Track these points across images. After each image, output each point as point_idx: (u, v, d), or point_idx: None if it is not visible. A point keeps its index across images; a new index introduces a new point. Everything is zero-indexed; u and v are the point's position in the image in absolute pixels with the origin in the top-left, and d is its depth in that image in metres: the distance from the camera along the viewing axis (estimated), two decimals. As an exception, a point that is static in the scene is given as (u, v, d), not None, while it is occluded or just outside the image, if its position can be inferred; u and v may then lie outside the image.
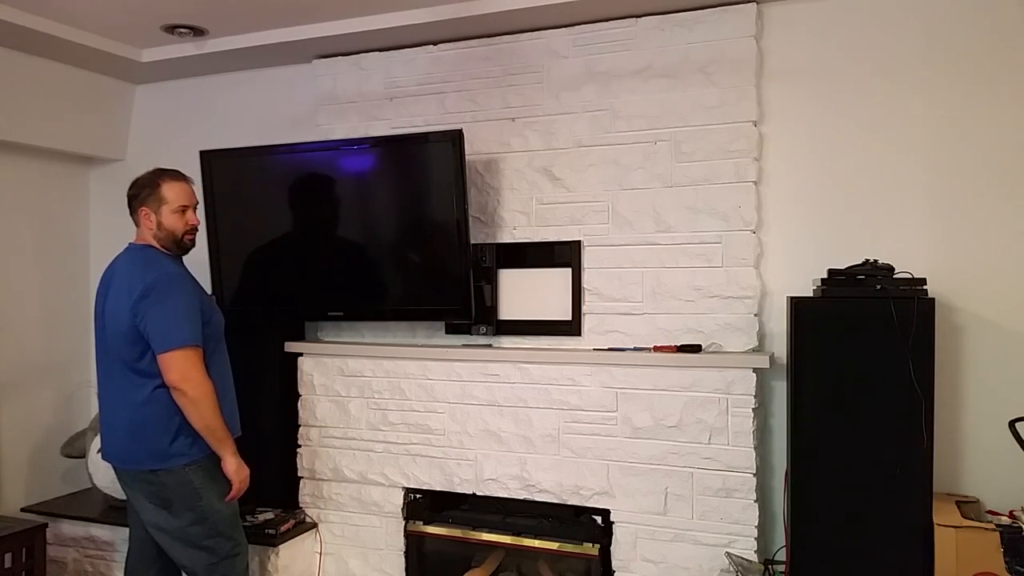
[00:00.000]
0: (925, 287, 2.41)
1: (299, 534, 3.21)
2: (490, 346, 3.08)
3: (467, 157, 3.12)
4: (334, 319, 3.27)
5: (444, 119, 3.16)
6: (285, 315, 3.33)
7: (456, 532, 3.11)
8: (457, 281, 2.93)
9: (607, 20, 2.94)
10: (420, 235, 3.02)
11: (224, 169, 3.21)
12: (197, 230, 2.57)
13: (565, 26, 2.99)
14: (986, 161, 2.61)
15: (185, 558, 2.48)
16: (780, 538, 2.73)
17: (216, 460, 2.51)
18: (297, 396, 3.37)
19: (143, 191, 2.49)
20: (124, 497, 2.58)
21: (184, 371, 2.34)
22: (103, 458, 2.52)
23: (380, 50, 3.28)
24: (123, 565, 2.73)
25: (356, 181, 3.09)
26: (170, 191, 2.49)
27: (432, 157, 2.95)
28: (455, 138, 2.88)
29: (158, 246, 2.50)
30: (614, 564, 2.88)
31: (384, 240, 3.08)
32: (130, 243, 2.55)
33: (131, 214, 2.53)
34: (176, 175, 2.54)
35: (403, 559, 3.20)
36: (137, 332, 2.37)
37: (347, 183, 3.09)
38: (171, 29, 3.18)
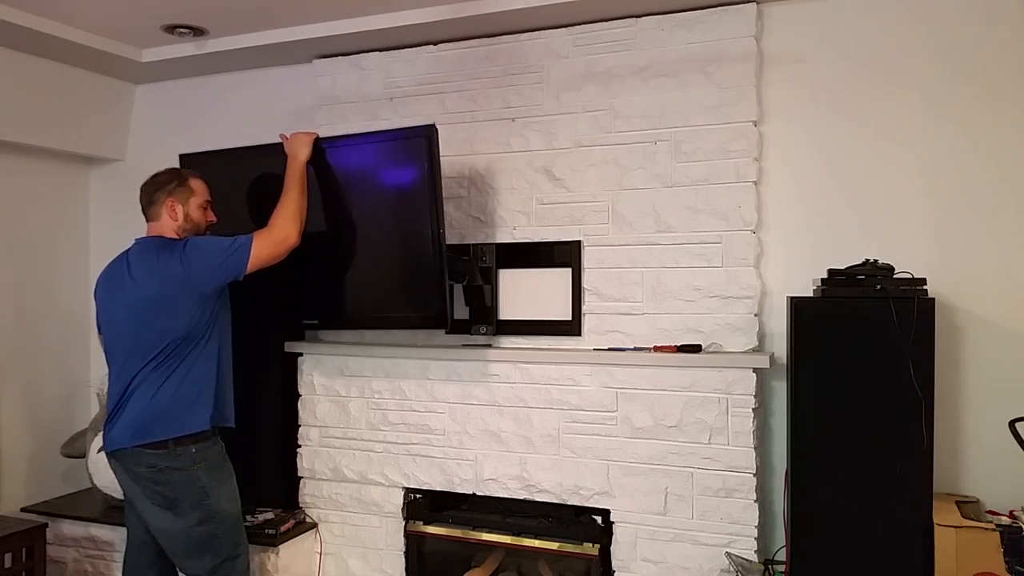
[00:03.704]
0: (925, 287, 2.41)
1: (299, 534, 3.21)
2: (490, 346, 3.08)
3: (467, 157, 3.13)
4: (310, 327, 3.24)
5: (444, 119, 3.16)
6: (262, 323, 3.22)
7: (456, 532, 3.11)
8: (432, 288, 2.76)
9: (607, 20, 2.93)
10: (394, 239, 2.87)
11: (203, 172, 3.08)
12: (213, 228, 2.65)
13: (565, 26, 2.99)
14: (986, 161, 2.61)
15: (187, 560, 2.47)
16: (780, 538, 2.73)
17: (223, 460, 2.51)
18: (297, 396, 3.37)
19: (170, 184, 2.53)
20: (124, 497, 2.58)
21: (274, 238, 2.48)
22: (113, 447, 2.49)
23: (380, 50, 3.28)
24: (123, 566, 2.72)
25: (328, 181, 2.89)
26: (197, 186, 2.59)
27: (405, 155, 2.81)
28: (428, 134, 2.70)
29: (176, 237, 2.52)
30: (614, 564, 2.88)
31: (358, 244, 2.91)
32: (139, 238, 2.56)
33: (149, 207, 2.54)
34: (196, 173, 2.64)
35: (403, 559, 3.20)
36: (181, 304, 2.39)
37: (319, 184, 2.87)
38: (171, 29, 3.18)
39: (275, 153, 2.81)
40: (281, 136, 2.81)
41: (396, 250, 2.88)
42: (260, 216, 2.74)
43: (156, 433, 2.39)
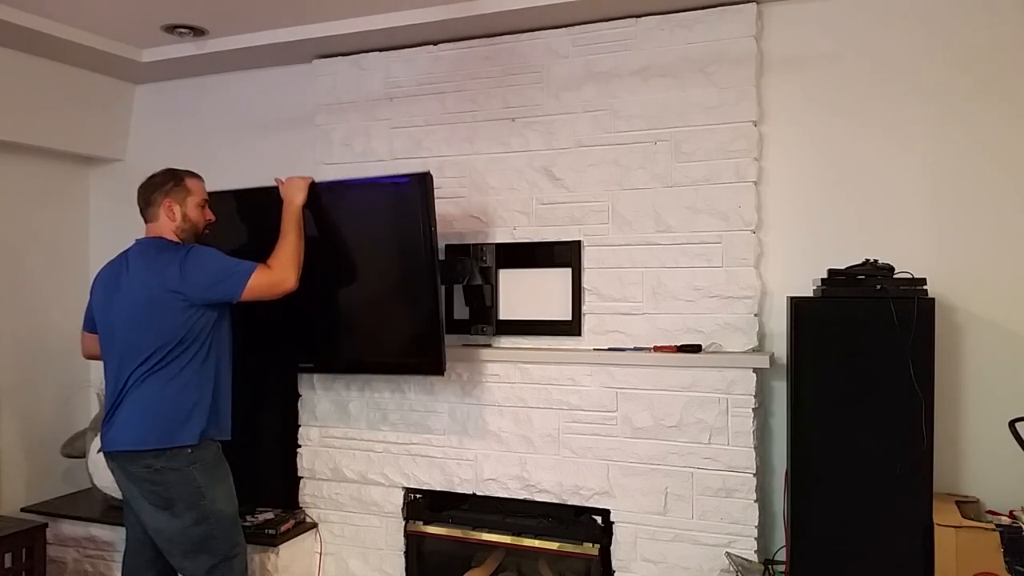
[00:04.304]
0: (925, 287, 2.41)
1: (299, 534, 3.21)
2: (490, 346, 3.08)
3: (467, 157, 3.13)
4: (305, 371, 3.22)
5: (444, 119, 3.17)
6: (257, 365, 3.21)
7: (456, 532, 3.11)
8: (427, 333, 2.77)
9: (607, 20, 2.93)
10: (389, 284, 2.88)
11: None
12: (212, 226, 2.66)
13: (565, 26, 2.99)
14: (986, 161, 2.61)
15: (184, 560, 2.47)
16: (780, 538, 2.73)
17: (219, 460, 2.51)
18: (297, 396, 3.36)
19: (166, 184, 2.54)
20: (122, 497, 2.58)
21: (273, 280, 2.47)
22: (108, 448, 2.50)
23: (380, 50, 3.28)
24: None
25: (324, 226, 2.84)
26: (193, 185, 2.59)
27: (400, 201, 2.79)
28: (422, 181, 2.69)
29: (175, 239, 2.53)
30: (614, 564, 2.88)
31: (354, 289, 2.91)
32: (139, 239, 2.56)
33: (147, 208, 2.55)
34: (193, 173, 2.63)
35: (403, 559, 3.20)
36: (178, 312, 2.39)
37: (315, 228, 2.80)
38: (171, 29, 3.18)
39: (270, 196, 2.76)
40: (277, 180, 2.79)
41: (391, 295, 2.88)
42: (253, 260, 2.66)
43: (150, 441, 2.40)
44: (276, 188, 2.77)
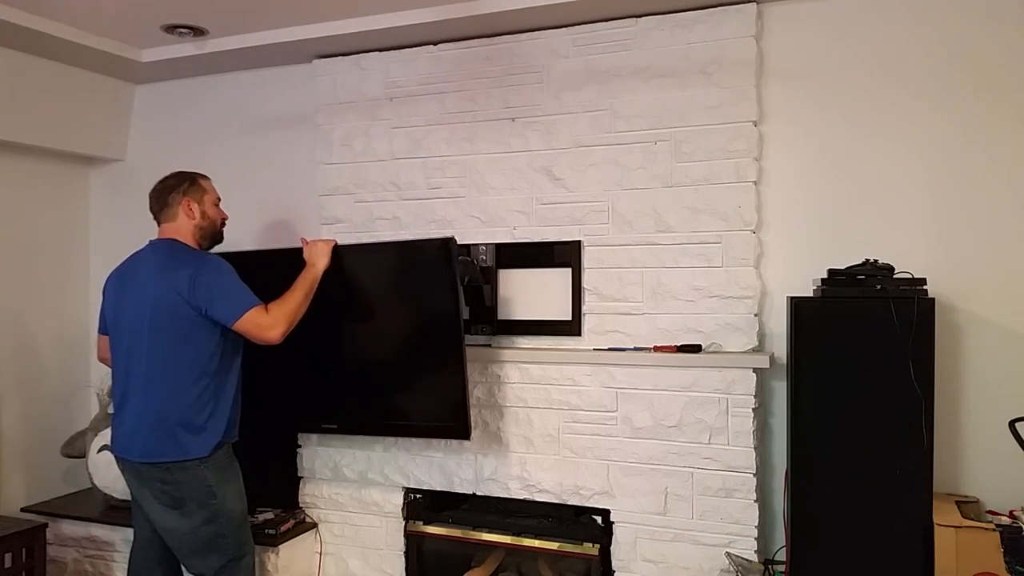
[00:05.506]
0: (925, 287, 2.41)
1: (299, 534, 3.22)
2: (490, 346, 3.08)
3: (467, 157, 3.13)
4: (328, 431, 3.18)
5: (444, 119, 3.17)
6: (280, 425, 3.21)
7: (456, 532, 3.11)
8: (453, 397, 2.76)
9: (607, 20, 2.93)
10: (413, 347, 2.87)
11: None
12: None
13: (565, 26, 2.99)
14: (986, 161, 2.61)
15: (194, 559, 2.48)
16: (780, 538, 2.73)
17: (230, 460, 2.51)
18: (297, 396, 3.36)
19: (182, 184, 2.57)
20: (124, 497, 2.58)
21: (263, 324, 2.41)
22: (119, 455, 2.50)
23: (380, 50, 3.28)
24: (123, 565, 2.73)
25: (347, 287, 2.82)
26: (207, 184, 2.64)
27: (424, 265, 2.78)
28: (446, 245, 2.69)
29: (191, 240, 2.55)
30: (614, 564, 2.88)
31: (378, 350, 2.91)
32: (153, 240, 2.57)
33: (163, 210, 2.55)
34: (202, 174, 2.66)
35: (403, 559, 3.20)
36: (189, 318, 2.39)
37: (338, 289, 2.76)
38: (171, 29, 3.18)
39: (295, 256, 2.73)
40: (302, 240, 2.78)
41: (416, 358, 2.87)
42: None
43: (165, 454, 2.40)
44: (300, 249, 2.75)
